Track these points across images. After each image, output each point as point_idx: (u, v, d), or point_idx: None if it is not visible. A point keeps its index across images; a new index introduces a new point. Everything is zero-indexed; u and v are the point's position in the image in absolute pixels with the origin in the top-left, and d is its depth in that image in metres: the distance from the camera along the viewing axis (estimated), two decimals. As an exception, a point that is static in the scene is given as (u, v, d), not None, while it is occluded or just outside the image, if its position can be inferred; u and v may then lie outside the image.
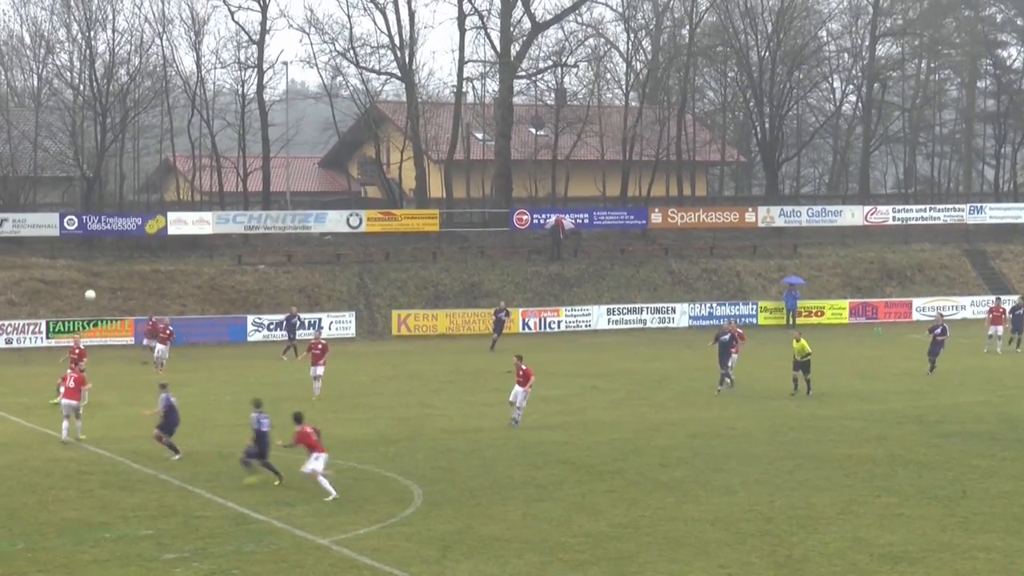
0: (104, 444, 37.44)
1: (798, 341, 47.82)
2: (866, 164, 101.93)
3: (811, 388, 47.26)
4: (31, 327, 69.55)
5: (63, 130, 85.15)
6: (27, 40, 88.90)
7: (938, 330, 54.23)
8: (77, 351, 48.66)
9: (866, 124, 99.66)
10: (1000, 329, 63.22)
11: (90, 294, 64.54)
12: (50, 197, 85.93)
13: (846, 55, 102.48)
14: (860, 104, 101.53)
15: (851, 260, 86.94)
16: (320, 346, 49.20)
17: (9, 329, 69.43)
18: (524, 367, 40.99)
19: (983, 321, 68.98)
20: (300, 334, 65.66)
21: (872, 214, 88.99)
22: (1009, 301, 70.02)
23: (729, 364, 49.75)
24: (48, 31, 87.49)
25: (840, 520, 27.41)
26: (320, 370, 48.79)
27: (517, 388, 40.94)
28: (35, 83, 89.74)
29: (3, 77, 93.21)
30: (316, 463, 30.20)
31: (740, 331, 51.98)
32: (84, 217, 77.75)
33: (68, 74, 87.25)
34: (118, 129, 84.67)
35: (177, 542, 25.94)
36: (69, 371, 39.96)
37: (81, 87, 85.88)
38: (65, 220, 76.64)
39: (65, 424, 38.16)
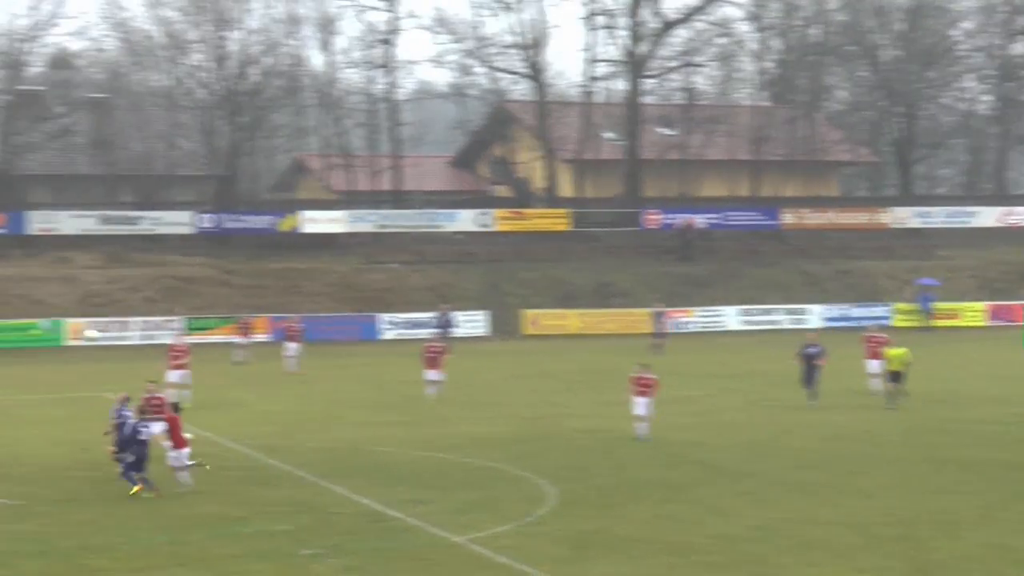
0: (241, 440, 37.90)
1: (896, 348, 44.27)
2: (1002, 164, 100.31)
3: (897, 400, 43.74)
4: (168, 324, 70.36)
5: (196, 129, 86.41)
6: (160, 41, 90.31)
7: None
8: (180, 348, 47.76)
9: (1002, 123, 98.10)
10: None
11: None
12: (184, 195, 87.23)
13: (980, 53, 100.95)
14: (996, 103, 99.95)
15: (987, 262, 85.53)
16: (436, 349, 48.15)
17: (149, 326, 70.56)
18: (651, 376, 38.60)
19: None
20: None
21: (1008, 215, 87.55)
22: None
23: (813, 380, 46.25)
24: (180, 32, 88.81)
25: (980, 525, 27.00)
26: (435, 374, 47.28)
27: (639, 399, 38.21)
28: (169, 83, 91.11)
29: (139, 77, 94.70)
30: (180, 456, 31.08)
31: (884, 335, 47.65)
32: (219, 215, 78.92)
33: (200, 74, 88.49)
34: (250, 128, 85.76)
35: (314, 538, 26.14)
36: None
37: (213, 86, 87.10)
38: (201, 218, 77.84)
39: None
